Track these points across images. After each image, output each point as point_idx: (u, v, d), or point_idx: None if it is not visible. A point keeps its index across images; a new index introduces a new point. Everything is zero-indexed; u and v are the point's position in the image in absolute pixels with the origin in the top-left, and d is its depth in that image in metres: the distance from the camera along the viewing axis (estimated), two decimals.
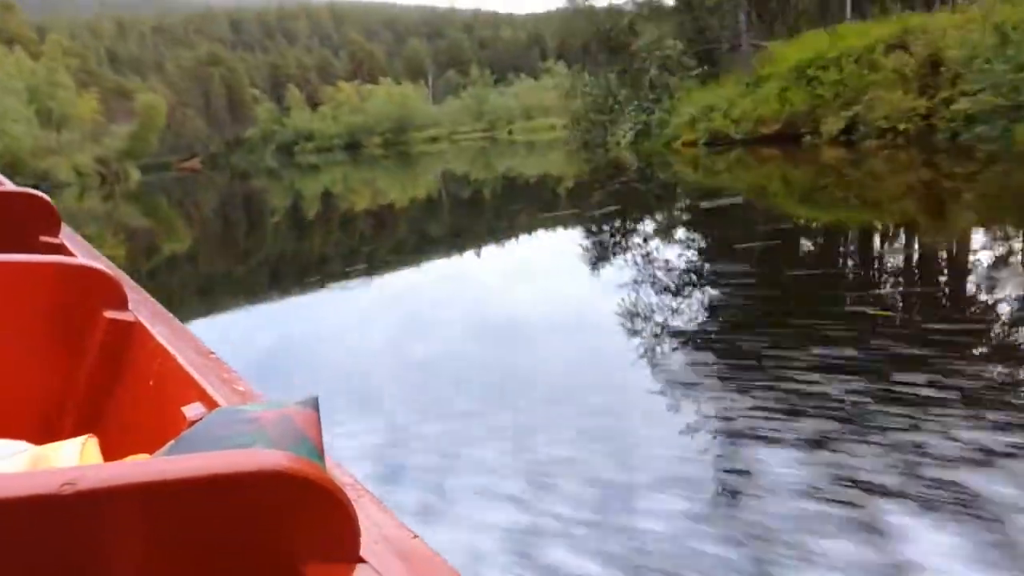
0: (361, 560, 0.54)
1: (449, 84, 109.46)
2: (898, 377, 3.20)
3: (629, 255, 8.01)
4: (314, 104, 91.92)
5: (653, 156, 21.45)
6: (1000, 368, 3.46)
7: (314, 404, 0.68)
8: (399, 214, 15.46)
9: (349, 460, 1.56)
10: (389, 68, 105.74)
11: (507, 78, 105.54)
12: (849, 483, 2.41)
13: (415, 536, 0.62)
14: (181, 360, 1.02)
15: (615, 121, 26.39)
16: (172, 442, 0.65)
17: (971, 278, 5.59)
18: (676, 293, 5.82)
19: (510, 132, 70.00)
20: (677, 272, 6.59)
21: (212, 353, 1.11)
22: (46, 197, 1.65)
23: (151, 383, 1.07)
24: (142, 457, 0.69)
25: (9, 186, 1.86)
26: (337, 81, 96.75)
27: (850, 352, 3.61)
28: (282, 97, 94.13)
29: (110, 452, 0.76)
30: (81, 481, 0.42)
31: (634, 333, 4.77)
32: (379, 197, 20.48)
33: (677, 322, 5.02)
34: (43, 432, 0.96)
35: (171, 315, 1.29)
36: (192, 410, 0.88)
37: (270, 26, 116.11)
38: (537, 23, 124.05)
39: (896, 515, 2.21)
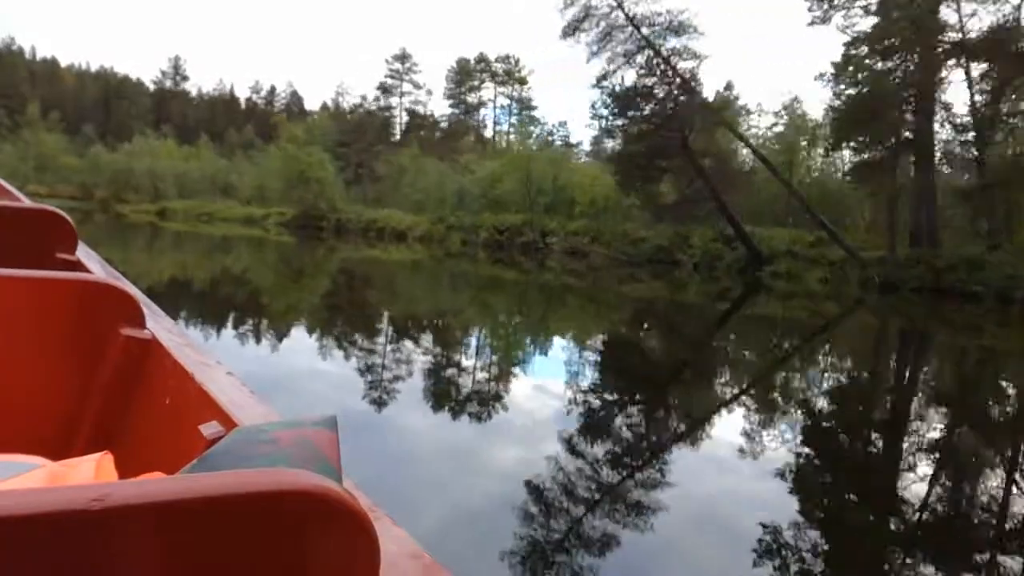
0: None
1: None
2: None
3: None
4: None
5: None
6: None
7: (332, 424, 0.66)
8: None
9: None
10: None
11: (83, 131, 78.63)
12: None
13: (433, 560, 0.63)
14: (198, 378, 1.01)
15: None
16: (195, 461, 0.64)
17: None
18: None
19: (161, 213, 46.09)
20: None
21: (229, 372, 1.11)
22: (63, 214, 1.62)
23: (167, 401, 1.06)
24: (157, 475, 0.66)
25: (26, 203, 1.85)
26: None
27: None
28: None
29: (125, 469, 0.76)
30: (110, 497, 0.42)
31: None
32: None
33: None
34: (58, 448, 0.97)
35: (187, 333, 1.27)
36: (209, 429, 0.88)
37: None
38: (107, 77, 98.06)
39: None
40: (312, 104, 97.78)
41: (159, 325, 1.23)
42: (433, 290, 19.17)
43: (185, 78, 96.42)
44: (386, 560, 0.53)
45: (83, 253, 1.68)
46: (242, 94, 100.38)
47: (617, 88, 25.77)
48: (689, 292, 22.35)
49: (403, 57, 62.73)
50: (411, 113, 63.50)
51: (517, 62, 60.41)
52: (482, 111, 62.43)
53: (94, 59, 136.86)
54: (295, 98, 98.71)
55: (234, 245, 31.08)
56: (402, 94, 62.74)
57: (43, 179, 65.59)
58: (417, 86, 63.11)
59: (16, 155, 65.76)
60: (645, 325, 14.46)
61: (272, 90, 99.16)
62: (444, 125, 63.10)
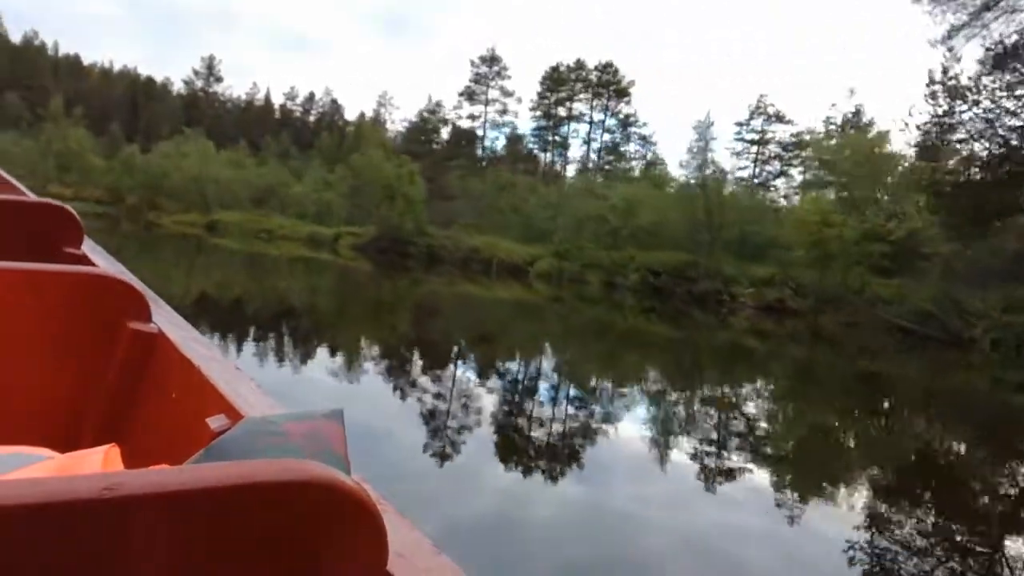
0: (388, 573, 0.55)
1: (8, 111, 69.98)
2: None
3: None
4: None
5: None
6: None
7: (339, 416, 0.68)
8: None
9: None
10: None
11: (110, 130, 72.73)
12: None
13: (439, 551, 0.64)
14: (205, 371, 1.02)
15: None
16: (202, 451, 0.65)
17: None
18: None
19: (212, 226, 39.43)
20: None
21: (235, 366, 1.11)
22: (69, 208, 1.64)
23: (174, 395, 1.07)
24: (165, 467, 0.65)
25: (32, 198, 1.86)
26: None
27: None
28: None
29: (133, 462, 0.76)
30: (121, 487, 0.42)
31: None
32: None
33: None
34: (65, 441, 0.97)
35: (193, 328, 1.28)
36: (216, 421, 0.88)
37: None
38: (131, 75, 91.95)
39: None
40: (350, 114, 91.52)
41: (165, 319, 1.21)
42: (560, 346, 14.44)
43: (219, 79, 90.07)
44: (394, 550, 0.53)
45: (89, 247, 1.67)
46: (274, 100, 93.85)
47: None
48: (953, 378, 15.62)
49: (492, 59, 55.15)
50: (492, 125, 56.01)
51: (616, 71, 53.29)
52: (572, 125, 54.99)
53: (117, 58, 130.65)
54: (334, 107, 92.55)
55: (302, 269, 26.67)
56: (487, 101, 55.11)
57: (66, 179, 58.88)
58: (507, 93, 55.53)
59: (37, 151, 59.20)
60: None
61: (311, 97, 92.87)
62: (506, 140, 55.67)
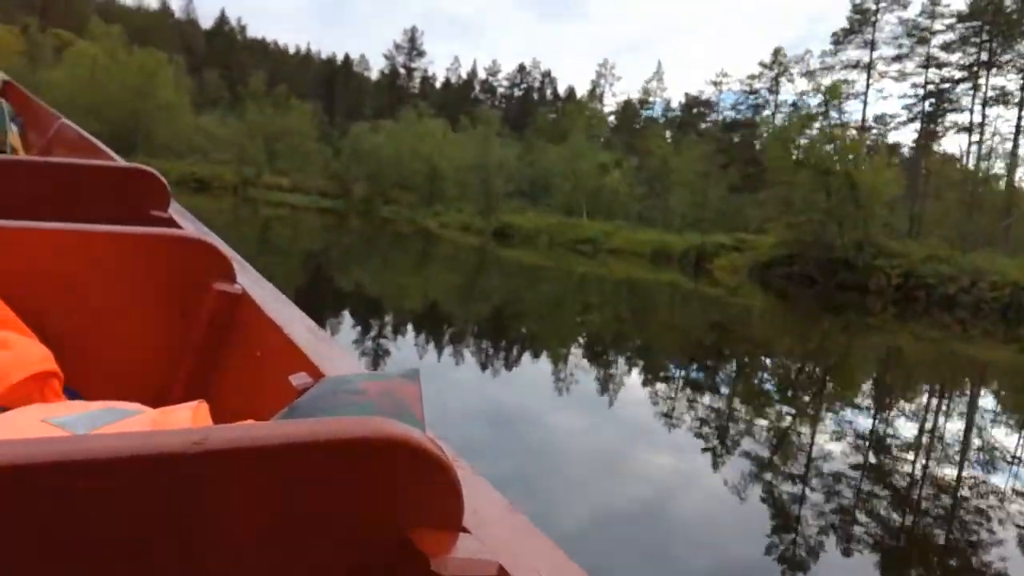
0: (464, 529, 0.56)
1: (209, 89, 62.51)
2: None
3: None
4: None
5: None
6: None
7: (415, 376, 0.70)
8: None
9: None
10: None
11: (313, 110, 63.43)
12: None
13: (514, 509, 0.65)
14: (287, 331, 1.04)
15: None
16: (285, 409, 0.68)
17: None
18: None
19: (502, 232, 27.08)
20: None
21: (317, 326, 1.13)
22: (156, 173, 1.66)
23: (258, 353, 1.10)
24: (251, 423, 0.66)
25: (121, 162, 1.91)
26: None
27: None
28: None
29: (220, 417, 0.78)
30: (209, 440, 0.44)
31: None
32: None
33: None
34: (156, 397, 1.01)
35: (277, 290, 1.30)
36: (298, 379, 0.90)
37: None
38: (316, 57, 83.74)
39: None
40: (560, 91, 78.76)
41: (249, 280, 1.24)
42: None
43: (421, 53, 79.91)
44: (469, 506, 0.55)
45: (175, 210, 1.71)
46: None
47: None
48: None
49: None
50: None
51: None
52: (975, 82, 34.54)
53: (302, 41, 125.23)
54: (545, 80, 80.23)
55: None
56: (873, 44, 34.94)
57: (279, 166, 49.61)
58: (915, 28, 34.83)
59: (244, 132, 49.96)
60: None
61: (521, 69, 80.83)
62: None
